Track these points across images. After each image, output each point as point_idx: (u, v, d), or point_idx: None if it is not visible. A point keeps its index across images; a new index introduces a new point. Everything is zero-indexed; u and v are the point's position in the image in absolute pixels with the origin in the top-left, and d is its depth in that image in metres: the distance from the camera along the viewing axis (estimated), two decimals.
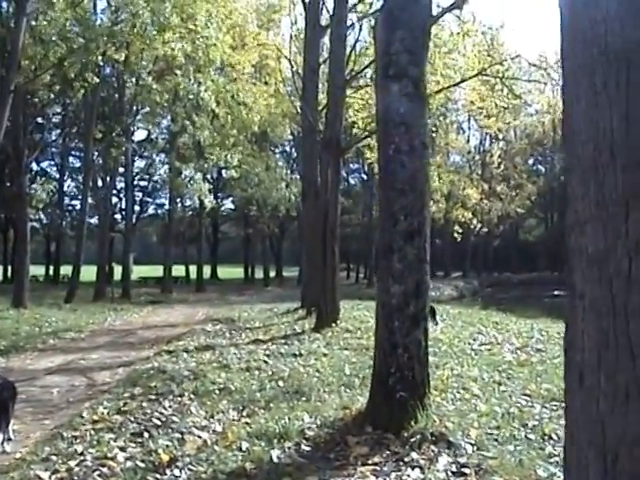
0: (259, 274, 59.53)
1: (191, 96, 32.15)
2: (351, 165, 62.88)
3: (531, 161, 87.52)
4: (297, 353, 12.60)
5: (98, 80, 29.07)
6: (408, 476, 5.54)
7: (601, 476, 2.00)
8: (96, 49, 25.49)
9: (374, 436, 6.49)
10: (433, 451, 6.10)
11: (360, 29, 22.84)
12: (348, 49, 19.93)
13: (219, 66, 33.35)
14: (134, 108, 36.94)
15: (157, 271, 47.84)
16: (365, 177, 62.05)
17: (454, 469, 5.66)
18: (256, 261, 63.22)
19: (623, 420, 1.94)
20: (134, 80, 35.89)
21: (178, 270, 55.23)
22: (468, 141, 71.50)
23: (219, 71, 34.73)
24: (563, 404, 7.03)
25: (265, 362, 11.61)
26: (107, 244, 39.70)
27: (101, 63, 28.39)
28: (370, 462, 5.85)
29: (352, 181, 69.22)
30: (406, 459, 5.93)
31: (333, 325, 16.79)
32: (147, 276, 51.72)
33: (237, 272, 67.27)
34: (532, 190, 73.21)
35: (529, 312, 27.62)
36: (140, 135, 49.78)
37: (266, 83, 36.40)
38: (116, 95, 36.71)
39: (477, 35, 19.62)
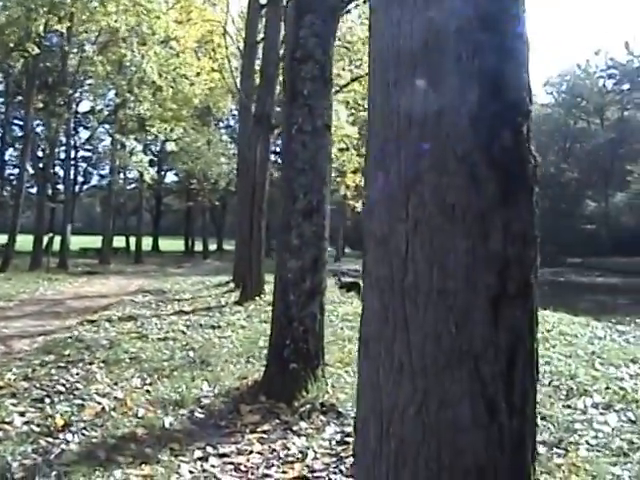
0: (200, 247, 59.28)
1: (134, 68, 31.77)
2: None
3: None
4: (216, 325, 12.69)
5: (39, 50, 28.40)
6: (293, 444, 5.69)
7: (378, 440, 2.13)
8: (37, 19, 25.06)
9: (267, 405, 6.65)
10: (322, 420, 6.28)
11: None
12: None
13: (163, 39, 32.96)
14: (78, 79, 36.28)
15: (99, 242, 47.12)
16: None
17: (338, 438, 5.81)
18: (198, 234, 62.96)
19: (397, 388, 2.08)
20: (76, 51, 35.21)
21: (120, 241, 54.92)
22: None
23: (163, 44, 34.33)
24: None
25: (183, 333, 11.68)
26: (45, 213, 38.92)
27: (42, 34, 27.88)
28: (259, 430, 5.99)
29: None
30: (294, 428, 6.10)
31: (257, 298, 16.91)
32: (87, 247, 50.90)
33: (179, 244, 66.53)
34: None
35: None
36: (85, 106, 49.21)
37: (211, 58, 36.13)
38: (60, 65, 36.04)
39: None
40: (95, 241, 50.22)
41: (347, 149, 33.02)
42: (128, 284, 25.06)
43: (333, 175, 50.53)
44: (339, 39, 22.09)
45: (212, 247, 60.23)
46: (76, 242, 42.97)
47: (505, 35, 2.09)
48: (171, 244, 68.14)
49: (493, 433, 2.01)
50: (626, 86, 66.77)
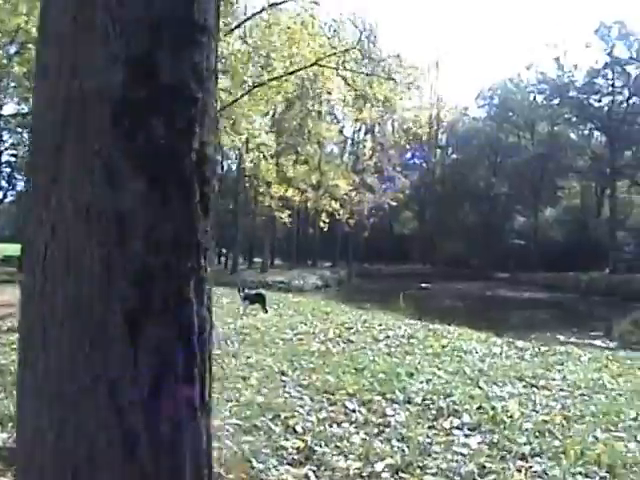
0: None
1: None
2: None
3: (409, 155, 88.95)
4: None
5: None
6: None
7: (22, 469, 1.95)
8: None
9: None
10: None
11: None
12: None
13: None
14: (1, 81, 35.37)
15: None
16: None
17: None
18: None
19: (38, 416, 1.85)
20: None
21: None
22: (341, 131, 71.66)
23: None
24: (335, 396, 7.13)
25: None
26: None
27: None
28: None
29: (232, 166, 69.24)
30: None
31: None
32: (12, 255, 49.53)
33: None
34: (405, 184, 74.22)
35: (390, 304, 27.90)
36: (9, 109, 48.14)
37: None
38: None
39: (314, 26, 19.89)
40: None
41: (265, 158, 32.82)
42: None
43: (257, 184, 51.24)
44: (246, 42, 21.96)
45: None
46: (4, 249, 41.91)
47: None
48: None
49: (133, 474, 1.75)
50: (556, 101, 67.80)
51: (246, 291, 19.05)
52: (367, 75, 22.01)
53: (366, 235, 75.94)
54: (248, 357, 10.51)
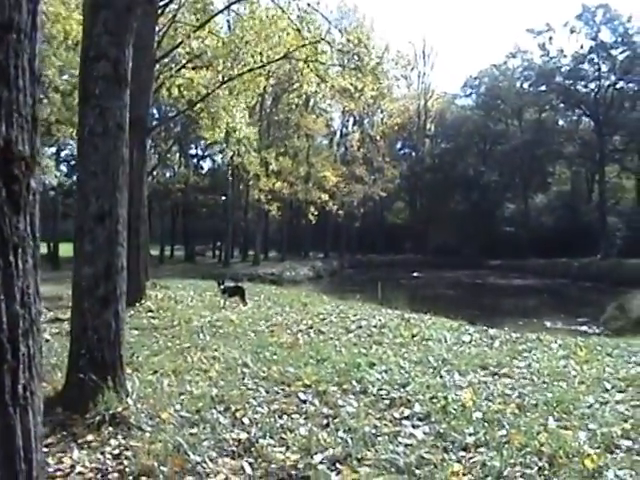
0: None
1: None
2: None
3: (399, 145, 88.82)
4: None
5: None
6: (70, 457, 5.52)
7: None
8: None
9: (61, 417, 6.43)
10: (110, 433, 6.11)
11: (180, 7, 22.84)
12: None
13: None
14: None
15: None
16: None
17: (117, 452, 5.66)
18: None
19: None
20: None
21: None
22: (329, 124, 71.77)
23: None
24: (290, 387, 7.19)
25: None
26: None
27: None
28: (43, 443, 5.75)
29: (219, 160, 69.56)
30: (80, 440, 5.91)
31: (136, 304, 16.67)
32: None
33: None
34: (394, 174, 74.15)
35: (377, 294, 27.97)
36: None
37: None
38: None
39: (283, 19, 19.94)
40: None
41: (247, 152, 32.80)
42: None
43: (247, 178, 51.31)
44: (217, 37, 22.10)
45: None
46: None
47: None
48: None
49: None
50: (543, 87, 67.60)
51: (225, 284, 19.17)
52: (349, 69, 21.87)
53: (358, 225, 76.08)
54: (215, 349, 10.60)
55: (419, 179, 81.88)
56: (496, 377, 8.89)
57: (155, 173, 54.11)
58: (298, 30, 19.26)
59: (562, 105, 69.53)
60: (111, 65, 6.61)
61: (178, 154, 65.35)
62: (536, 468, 5.31)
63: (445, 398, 7.33)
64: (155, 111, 54.91)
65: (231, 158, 40.73)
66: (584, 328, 23.41)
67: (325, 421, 6.62)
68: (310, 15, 20.26)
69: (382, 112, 75.29)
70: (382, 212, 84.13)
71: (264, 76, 23.52)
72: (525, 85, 72.41)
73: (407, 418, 6.77)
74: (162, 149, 56.61)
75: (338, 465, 5.41)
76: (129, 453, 5.59)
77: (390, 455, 5.57)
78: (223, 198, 59.71)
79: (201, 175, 69.32)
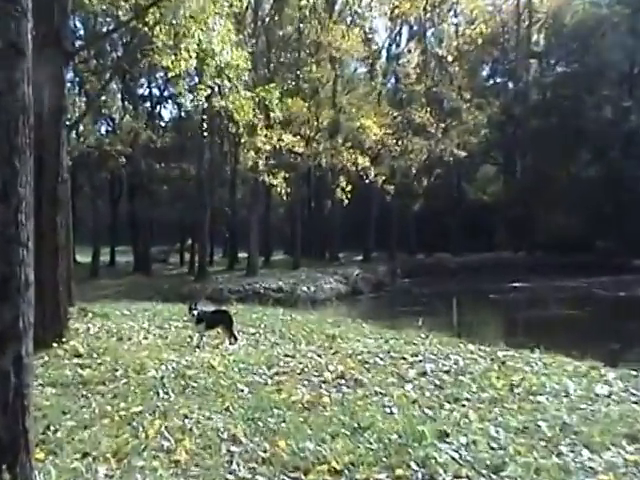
0: None
1: None
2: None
3: (485, 71, 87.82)
4: None
5: None
6: None
7: None
8: None
9: None
10: None
11: None
12: None
13: None
14: None
15: None
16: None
17: None
18: None
19: None
20: None
21: None
22: (369, 39, 69.68)
23: None
24: (308, 476, 7.21)
25: None
26: None
27: None
28: None
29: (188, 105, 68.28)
30: None
31: (54, 345, 16.62)
32: None
33: None
34: (478, 120, 73.01)
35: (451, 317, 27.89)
36: None
37: None
38: None
39: None
40: None
41: (234, 89, 32.59)
42: None
43: (237, 132, 50.59)
44: None
45: None
46: None
47: None
48: None
49: None
50: None
51: (200, 308, 18.88)
52: None
53: (418, 208, 74.92)
54: (185, 415, 10.59)
55: (520, 127, 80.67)
56: None
57: (82, 127, 53.45)
58: None
59: None
60: None
61: (120, 95, 64.53)
62: None
63: None
64: (79, 24, 54.75)
65: (207, 100, 40.16)
66: None
67: None
68: None
69: (456, 15, 74.31)
70: (459, 184, 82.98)
71: None
72: None
73: None
74: (93, 87, 55.82)
75: None
76: None
77: None
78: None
79: (159, 130, 67.85)
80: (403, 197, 68.94)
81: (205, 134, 53.08)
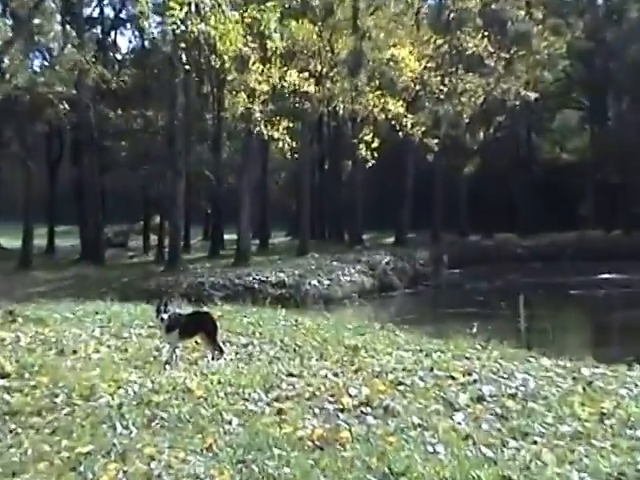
0: None
1: None
2: None
3: None
4: None
5: None
6: None
7: None
8: None
9: None
10: None
11: None
12: None
13: None
14: None
15: None
16: None
17: None
18: None
19: None
20: None
21: None
22: None
23: None
24: None
25: None
26: None
27: None
28: None
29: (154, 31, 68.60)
30: None
31: None
32: None
33: None
34: (555, 50, 72.83)
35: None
36: None
37: None
38: None
39: None
40: None
41: (217, 6, 32.72)
42: None
43: (221, 67, 50.72)
44: None
45: None
46: None
47: None
48: None
49: None
50: None
51: (171, 310, 18.64)
52: None
53: (472, 171, 74.51)
54: (151, 457, 10.54)
55: (613, 58, 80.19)
56: None
57: (6, 61, 53.54)
58: None
59: None
60: None
61: (59, 16, 64.36)
62: None
63: None
64: None
65: (181, 24, 40.01)
66: None
67: None
68: None
69: None
70: (528, 138, 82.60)
71: None
72: None
73: None
74: (22, 4, 55.54)
75: None
76: None
77: None
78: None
79: (114, 65, 67.76)
80: (451, 156, 68.55)
81: (178, 68, 52.54)
